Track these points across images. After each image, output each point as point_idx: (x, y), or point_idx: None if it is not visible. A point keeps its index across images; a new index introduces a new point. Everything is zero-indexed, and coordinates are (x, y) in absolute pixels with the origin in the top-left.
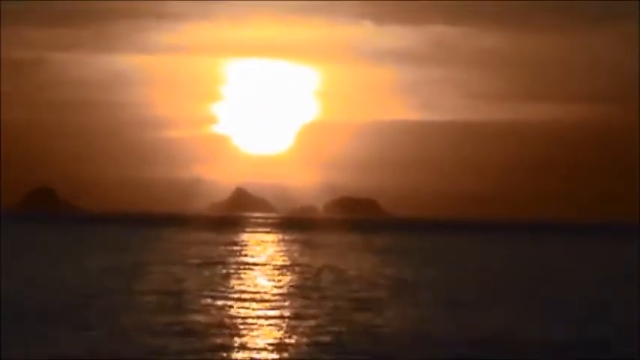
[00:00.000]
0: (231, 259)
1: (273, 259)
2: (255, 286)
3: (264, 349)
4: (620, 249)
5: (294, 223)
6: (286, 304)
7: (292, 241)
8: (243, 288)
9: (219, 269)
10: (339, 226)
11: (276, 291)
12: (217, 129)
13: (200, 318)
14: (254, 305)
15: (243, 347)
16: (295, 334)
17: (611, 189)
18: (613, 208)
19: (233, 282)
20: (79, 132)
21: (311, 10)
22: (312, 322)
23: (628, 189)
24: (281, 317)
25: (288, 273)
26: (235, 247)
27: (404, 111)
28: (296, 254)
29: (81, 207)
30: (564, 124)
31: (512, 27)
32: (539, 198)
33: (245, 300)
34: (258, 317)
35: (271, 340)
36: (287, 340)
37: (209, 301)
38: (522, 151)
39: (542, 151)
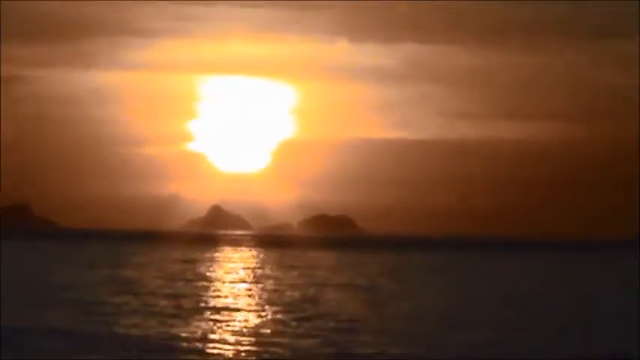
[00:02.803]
0: (188, 275)
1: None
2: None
3: None
4: (590, 264)
5: (267, 240)
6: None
7: (256, 258)
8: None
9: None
10: (312, 243)
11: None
12: (193, 146)
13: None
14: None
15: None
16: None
17: (585, 205)
18: (586, 224)
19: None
20: (56, 148)
21: (287, 27)
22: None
23: (601, 204)
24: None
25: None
26: (196, 264)
27: (379, 129)
28: (255, 270)
29: (57, 223)
30: (538, 141)
31: (487, 46)
32: (515, 214)
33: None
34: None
35: None
36: None
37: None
38: (497, 169)
39: (517, 168)
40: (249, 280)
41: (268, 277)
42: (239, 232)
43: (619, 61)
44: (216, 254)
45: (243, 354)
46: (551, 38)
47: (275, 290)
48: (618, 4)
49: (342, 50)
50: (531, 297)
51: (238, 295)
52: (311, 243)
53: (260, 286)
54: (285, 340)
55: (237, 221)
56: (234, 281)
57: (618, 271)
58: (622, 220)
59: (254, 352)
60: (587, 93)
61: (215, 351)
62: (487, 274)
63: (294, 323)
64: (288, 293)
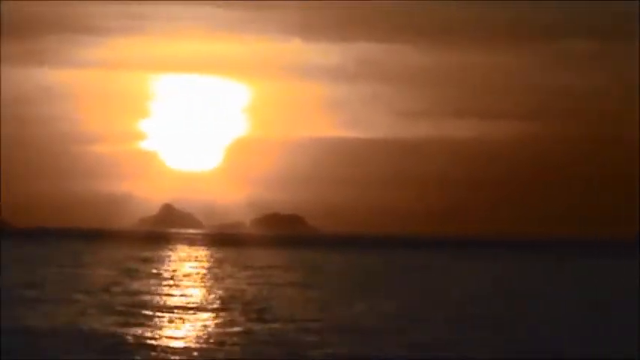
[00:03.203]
0: (137, 273)
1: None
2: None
3: None
4: (543, 263)
5: (218, 239)
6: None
7: (206, 256)
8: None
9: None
10: (263, 241)
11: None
12: (145, 145)
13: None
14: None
15: None
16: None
17: (540, 204)
18: (540, 223)
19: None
20: (6, 146)
21: (241, 26)
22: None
23: (555, 203)
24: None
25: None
26: (146, 262)
27: (332, 128)
28: (204, 268)
29: (7, 222)
30: (491, 140)
31: (439, 45)
32: (467, 213)
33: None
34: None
35: None
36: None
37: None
38: (449, 168)
39: (470, 167)
40: (198, 279)
41: (218, 276)
42: (190, 231)
43: (572, 61)
44: (167, 252)
45: (194, 353)
46: (504, 38)
47: (226, 289)
48: (573, 4)
49: (296, 49)
50: (479, 296)
51: (188, 294)
52: (262, 241)
53: (210, 284)
54: (235, 339)
55: (188, 220)
56: (184, 279)
57: (572, 269)
58: (576, 218)
59: (204, 350)
60: (540, 93)
61: (164, 350)
62: (438, 273)
63: (245, 322)
64: (238, 292)
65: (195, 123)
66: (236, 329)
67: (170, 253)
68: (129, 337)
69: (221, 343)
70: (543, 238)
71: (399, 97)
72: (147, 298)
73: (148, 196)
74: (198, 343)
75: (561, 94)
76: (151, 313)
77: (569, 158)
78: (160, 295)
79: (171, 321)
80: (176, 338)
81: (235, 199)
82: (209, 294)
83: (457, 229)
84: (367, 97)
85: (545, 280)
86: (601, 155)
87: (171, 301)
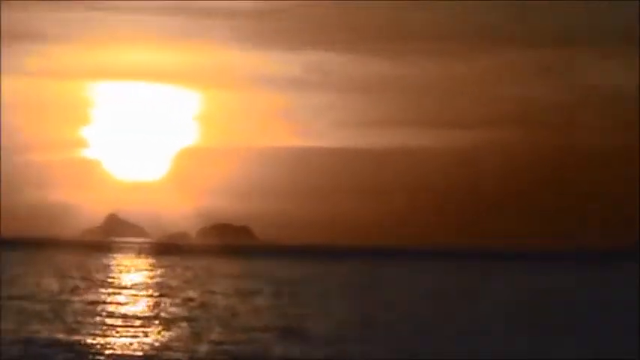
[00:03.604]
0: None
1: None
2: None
3: None
4: (494, 274)
5: (160, 248)
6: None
7: (149, 265)
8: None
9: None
10: (208, 251)
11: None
12: (89, 153)
13: None
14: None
15: None
16: None
17: (492, 213)
18: (495, 234)
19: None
20: None
21: (192, 33)
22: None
23: (514, 212)
24: None
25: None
26: (88, 271)
27: (283, 137)
28: (145, 277)
29: None
30: (447, 149)
31: (393, 53)
32: (420, 224)
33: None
34: None
35: None
36: None
37: None
38: (406, 177)
39: (427, 176)
40: (139, 287)
41: (159, 284)
42: (135, 240)
43: (532, 69)
44: (110, 261)
45: None
46: (461, 47)
47: (164, 295)
48: (531, 13)
49: (248, 57)
50: (419, 306)
51: (129, 302)
52: (207, 251)
53: (150, 292)
54: (177, 344)
55: (134, 230)
56: (127, 288)
57: (522, 280)
58: (535, 228)
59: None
60: (498, 102)
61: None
62: (387, 283)
63: (186, 327)
64: (179, 300)
65: (142, 132)
66: (174, 333)
67: (113, 261)
68: (76, 346)
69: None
70: (499, 248)
71: (353, 106)
72: (89, 307)
73: (91, 205)
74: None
75: (518, 104)
76: (95, 321)
77: (530, 166)
78: (101, 303)
79: (116, 330)
80: (123, 347)
81: (182, 209)
82: (150, 302)
83: (413, 238)
84: (321, 106)
85: (479, 286)
86: (560, 164)
87: (114, 310)
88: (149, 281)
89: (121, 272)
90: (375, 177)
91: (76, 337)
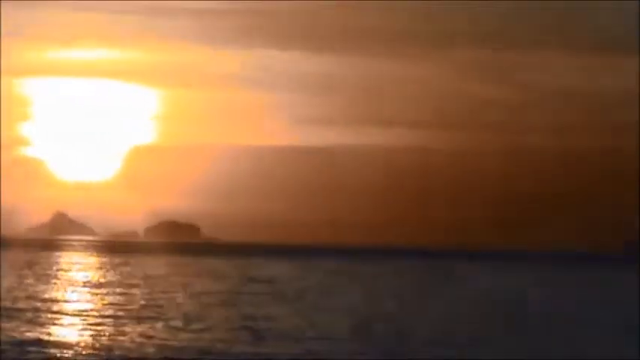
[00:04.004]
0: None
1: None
2: None
3: None
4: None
5: (106, 246)
6: None
7: (92, 263)
8: None
9: None
10: (155, 249)
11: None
12: (35, 152)
13: None
14: None
15: None
16: None
17: (435, 214)
18: (447, 233)
19: None
20: None
21: (146, 32)
22: None
23: (463, 213)
24: None
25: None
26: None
27: (234, 135)
28: (88, 273)
29: None
30: (392, 148)
31: (342, 51)
32: (365, 223)
33: None
34: None
35: None
36: None
37: None
38: (350, 176)
39: (371, 175)
40: (80, 284)
41: (102, 281)
42: (80, 238)
43: (483, 70)
44: (55, 259)
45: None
46: (410, 46)
47: (109, 293)
48: (483, 12)
49: (200, 56)
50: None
51: (73, 299)
52: (154, 249)
53: (94, 289)
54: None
55: (81, 228)
56: (68, 284)
57: (464, 278)
58: (490, 227)
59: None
60: (450, 101)
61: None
62: (323, 280)
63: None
64: (124, 296)
65: (92, 130)
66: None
67: (58, 259)
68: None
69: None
70: (449, 248)
71: (302, 104)
72: (36, 303)
73: (38, 204)
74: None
75: (471, 103)
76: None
77: (479, 167)
78: (46, 300)
79: (64, 325)
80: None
81: (131, 207)
82: (97, 298)
83: (362, 237)
84: (270, 104)
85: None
86: (505, 163)
87: (60, 307)
88: (76, 276)
89: (58, 269)
90: (322, 175)
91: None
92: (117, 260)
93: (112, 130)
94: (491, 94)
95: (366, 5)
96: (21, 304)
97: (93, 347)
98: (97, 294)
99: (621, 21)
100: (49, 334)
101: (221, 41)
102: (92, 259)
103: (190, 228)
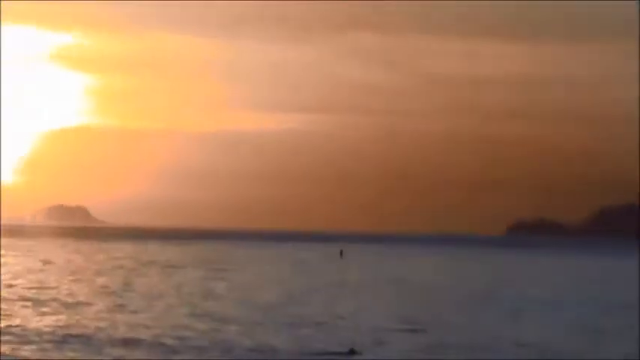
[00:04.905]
0: None
1: None
2: None
3: None
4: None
5: None
6: None
7: None
8: None
9: None
10: (44, 233)
11: None
12: None
13: None
14: None
15: None
16: None
17: (335, 198)
18: (340, 217)
19: None
20: None
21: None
22: None
23: (351, 198)
24: None
25: None
26: None
27: (117, 118)
28: None
29: None
30: (281, 132)
31: (236, 36)
32: (266, 207)
33: None
34: None
35: None
36: None
37: None
38: (249, 161)
39: (273, 159)
40: None
41: None
42: None
43: (362, 54)
44: None
45: None
46: (295, 31)
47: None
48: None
49: (79, 40)
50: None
51: None
52: (43, 233)
53: None
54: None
55: None
56: None
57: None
58: (377, 211)
59: None
60: (330, 85)
61: None
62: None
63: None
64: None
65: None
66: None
67: None
68: None
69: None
70: (348, 231)
71: (189, 89)
72: None
73: None
74: None
75: (353, 87)
76: None
77: (363, 151)
78: None
79: None
80: None
81: (18, 190)
82: None
83: (245, 222)
84: (156, 88)
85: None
86: (397, 149)
87: None
88: None
89: None
90: (215, 159)
91: None
92: None
93: (31, 114)
94: (375, 78)
95: None
96: None
97: None
98: None
99: (500, 10)
100: None
101: (106, 26)
102: None
103: (80, 211)
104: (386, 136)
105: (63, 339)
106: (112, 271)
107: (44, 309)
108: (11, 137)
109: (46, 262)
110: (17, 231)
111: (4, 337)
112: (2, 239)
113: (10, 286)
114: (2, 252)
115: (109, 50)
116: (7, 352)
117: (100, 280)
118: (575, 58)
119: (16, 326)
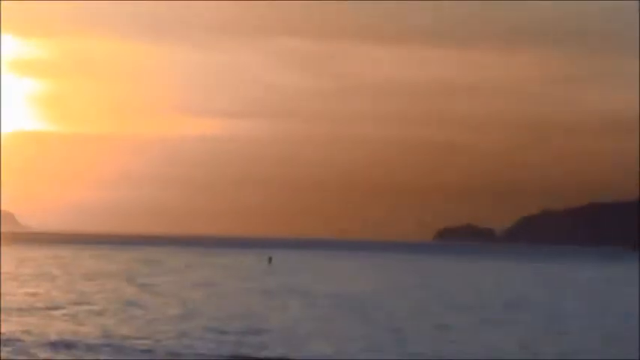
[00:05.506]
0: None
1: None
2: None
3: None
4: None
5: None
6: None
7: None
8: None
9: None
10: None
11: None
12: None
13: None
14: None
15: None
16: None
17: (250, 203)
18: (254, 222)
19: None
20: None
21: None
22: None
23: (271, 203)
24: None
25: None
26: None
27: (42, 122)
28: None
29: None
30: (203, 138)
31: (161, 40)
32: (193, 212)
33: None
34: None
35: None
36: None
37: None
38: (170, 166)
39: (190, 165)
40: None
41: None
42: None
43: (289, 60)
44: None
45: None
46: (222, 36)
47: None
48: (301, 4)
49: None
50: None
51: None
52: None
53: None
54: None
55: None
56: None
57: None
58: (305, 215)
59: None
60: (254, 90)
61: None
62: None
63: None
64: None
65: None
66: None
67: None
68: None
69: None
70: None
71: (113, 92)
72: None
73: None
74: None
75: (277, 93)
76: None
77: (291, 156)
78: None
79: None
80: None
81: None
82: None
83: (166, 227)
84: (79, 91)
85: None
86: (332, 153)
87: None
88: None
89: None
90: (133, 163)
91: None
92: None
93: None
94: (308, 83)
95: None
96: None
97: None
98: None
99: (439, 17)
100: None
101: (30, 30)
102: None
103: (6, 215)
104: (316, 142)
105: None
106: None
107: None
108: None
109: None
110: None
111: None
112: None
113: None
114: None
115: (38, 54)
116: None
117: None
118: (506, 64)
119: None
